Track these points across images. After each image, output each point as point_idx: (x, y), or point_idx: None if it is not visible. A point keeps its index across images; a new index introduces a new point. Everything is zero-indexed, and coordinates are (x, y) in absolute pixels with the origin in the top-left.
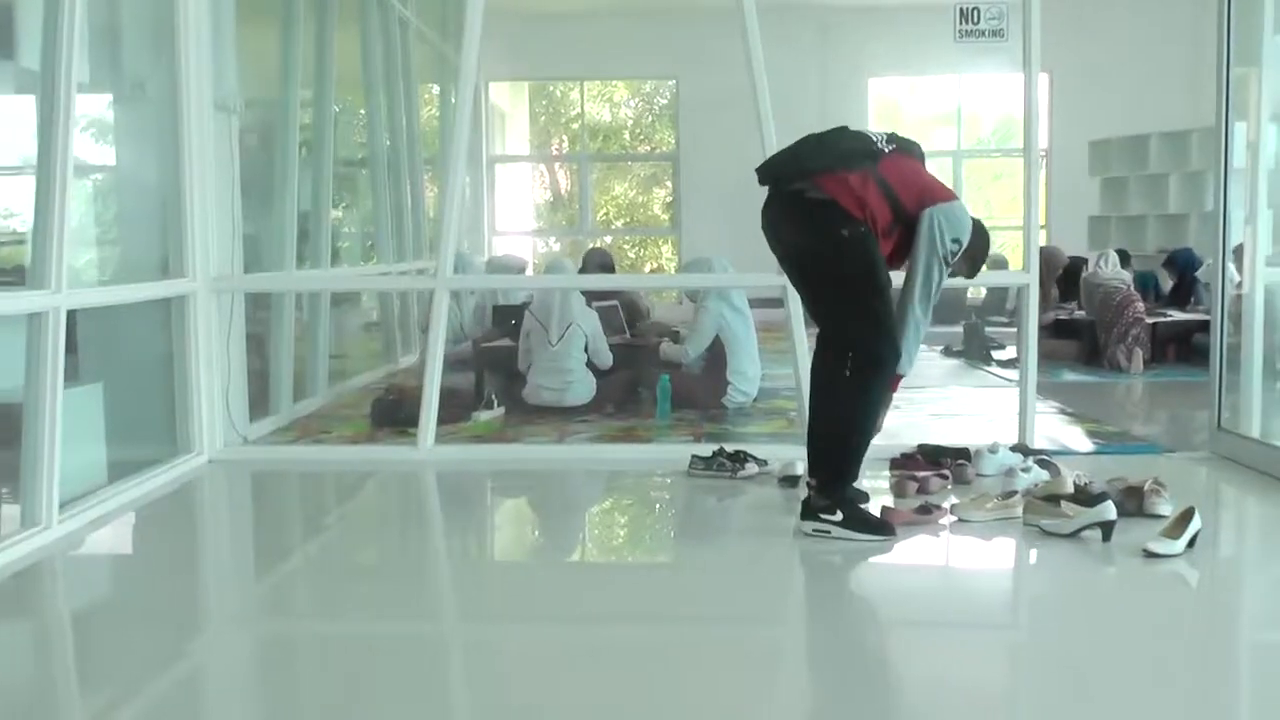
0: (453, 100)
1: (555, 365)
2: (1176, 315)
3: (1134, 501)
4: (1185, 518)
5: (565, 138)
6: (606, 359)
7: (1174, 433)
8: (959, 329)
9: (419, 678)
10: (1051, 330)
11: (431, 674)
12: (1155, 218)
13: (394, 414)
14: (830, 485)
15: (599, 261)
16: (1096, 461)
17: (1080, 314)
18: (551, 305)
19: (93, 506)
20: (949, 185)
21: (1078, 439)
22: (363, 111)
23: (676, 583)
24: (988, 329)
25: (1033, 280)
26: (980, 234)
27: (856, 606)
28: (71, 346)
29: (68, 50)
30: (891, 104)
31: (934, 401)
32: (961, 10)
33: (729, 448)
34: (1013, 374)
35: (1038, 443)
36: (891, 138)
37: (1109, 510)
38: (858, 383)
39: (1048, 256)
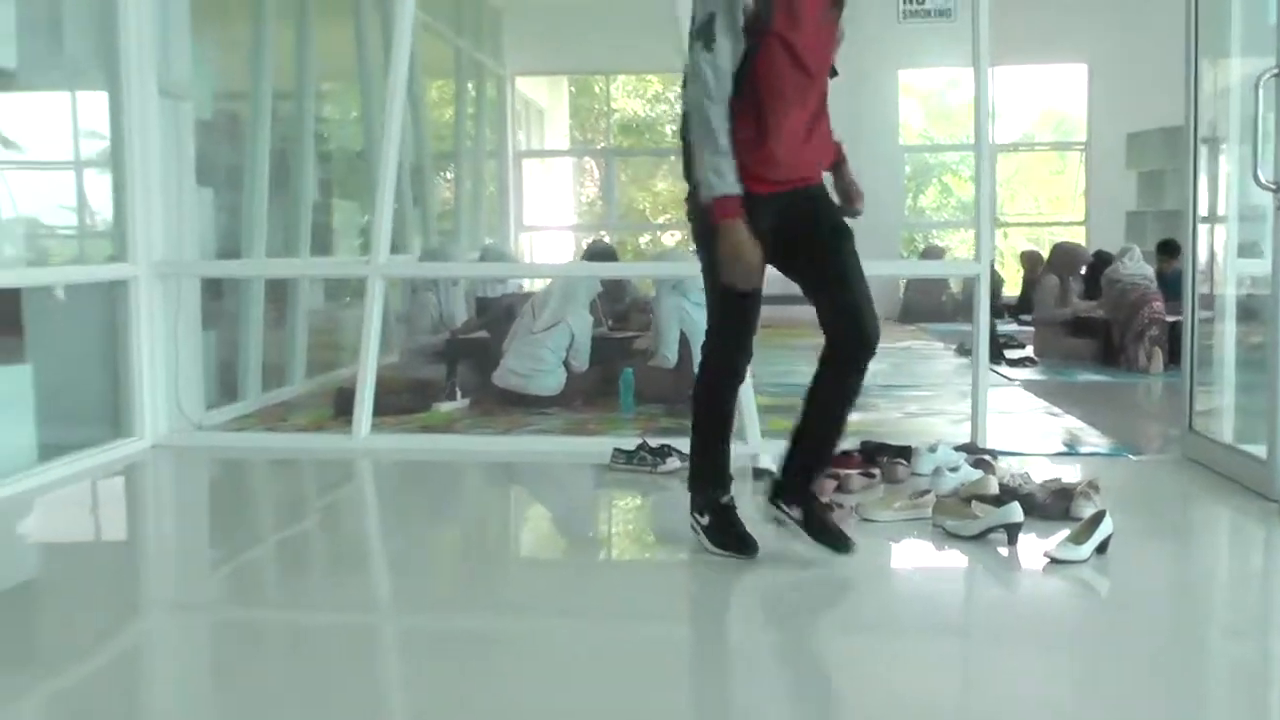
0: (470, 95)
1: (529, 351)
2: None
3: (1063, 504)
4: (1094, 522)
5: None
6: (583, 365)
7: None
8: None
9: (347, 668)
10: (1070, 328)
11: (356, 663)
12: None
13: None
14: (693, 482)
15: (596, 251)
16: (1055, 464)
17: (1100, 312)
18: (551, 294)
19: (9, 485)
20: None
21: (1050, 441)
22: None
23: (567, 577)
24: (1001, 326)
25: (983, 271)
26: None
27: (732, 606)
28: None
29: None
30: (933, 95)
31: (920, 400)
32: None
33: (653, 441)
34: (1019, 373)
35: (1009, 443)
36: None
37: (1014, 513)
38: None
39: (1067, 254)
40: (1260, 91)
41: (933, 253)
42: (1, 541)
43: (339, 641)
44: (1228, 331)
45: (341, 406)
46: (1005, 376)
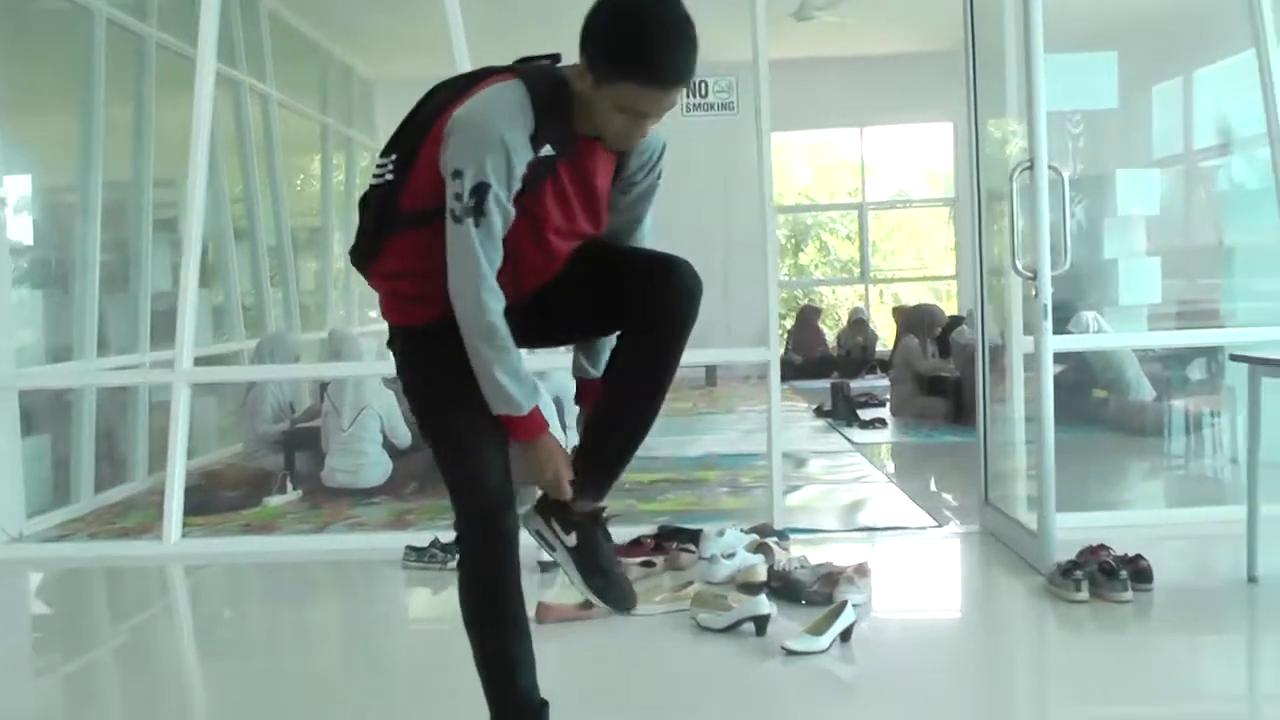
0: (339, 168)
1: (347, 448)
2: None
3: (829, 589)
4: (836, 612)
5: None
6: (405, 439)
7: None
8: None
9: None
10: (924, 388)
11: None
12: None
13: (197, 501)
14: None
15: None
16: (852, 542)
17: (950, 372)
18: (345, 388)
19: None
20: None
21: (860, 514)
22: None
23: (345, 683)
24: (875, 382)
25: (773, 359)
26: None
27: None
28: None
29: None
30: (814, 152)
31: (757, 471)
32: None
33: (445, 537)
34: (866, 435)
35: (817, 520)
36: None
37: (761, 605)
38: None
39: (924, 315)
40: (1015, 184)
41: (809, 311)
42: None
43: None
44: (1018, 393)
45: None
46: (850, 440)
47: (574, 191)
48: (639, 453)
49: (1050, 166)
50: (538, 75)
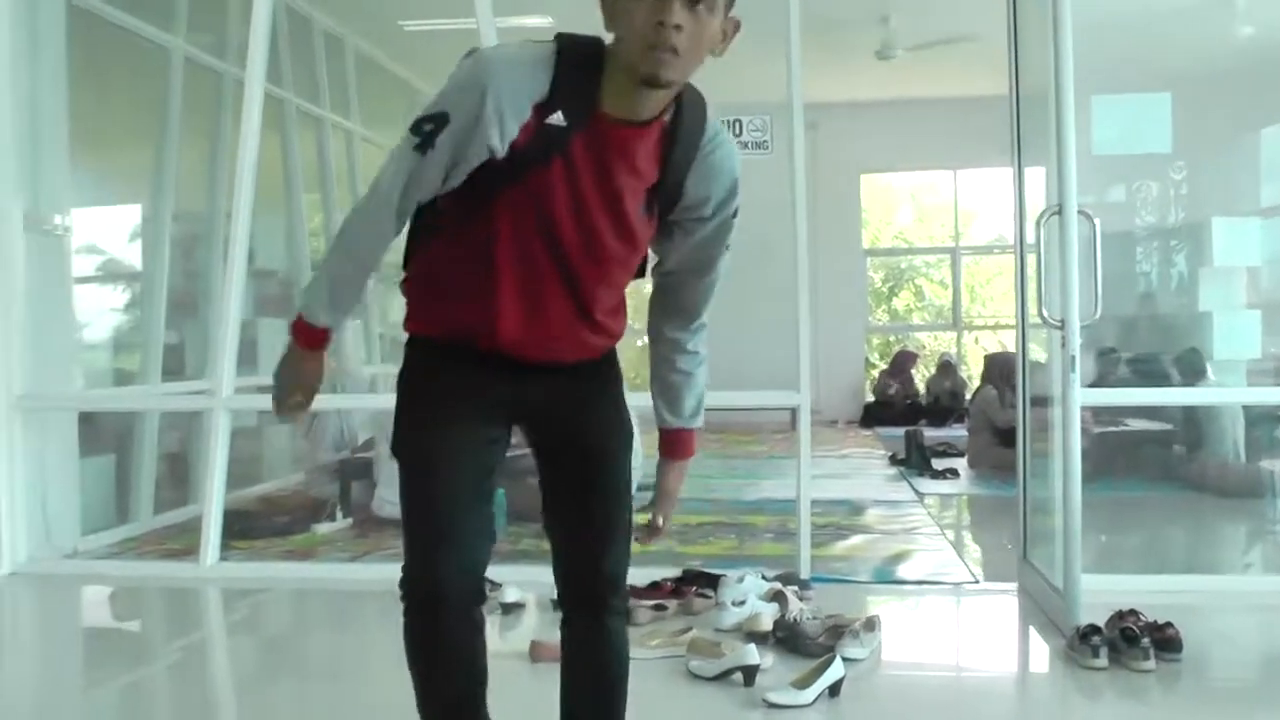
0: None
1: (395, 477)
2: (1135, 424)
3: (832, 641)
4: (823, 666)
5: None
6: None
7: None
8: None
9: None
10: (1002, 438)
11: None
12: (1147, 318)
13: (238, 526)
14: None
15: None
16: (878, 595)
17: None
18: None
19: None
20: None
21: (899, 567)
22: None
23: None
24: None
25: (803, 402)
26: None
27: None
28: None
29: None
30: (918, 195)
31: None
32: (723, 123)
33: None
34: (935, 486)
35: (847, 569)
36: None
37: (750, 654)
38: None
39: (1002, 363)
40: (1042, 231)
41: (903, 358)
42: None
43: None
44: (1058, 444)
45: (227, 530)
46: (917, 490)
47: (590, 180)
48: (688, 496)
49: (1081, 211)
50: (576, 41)
